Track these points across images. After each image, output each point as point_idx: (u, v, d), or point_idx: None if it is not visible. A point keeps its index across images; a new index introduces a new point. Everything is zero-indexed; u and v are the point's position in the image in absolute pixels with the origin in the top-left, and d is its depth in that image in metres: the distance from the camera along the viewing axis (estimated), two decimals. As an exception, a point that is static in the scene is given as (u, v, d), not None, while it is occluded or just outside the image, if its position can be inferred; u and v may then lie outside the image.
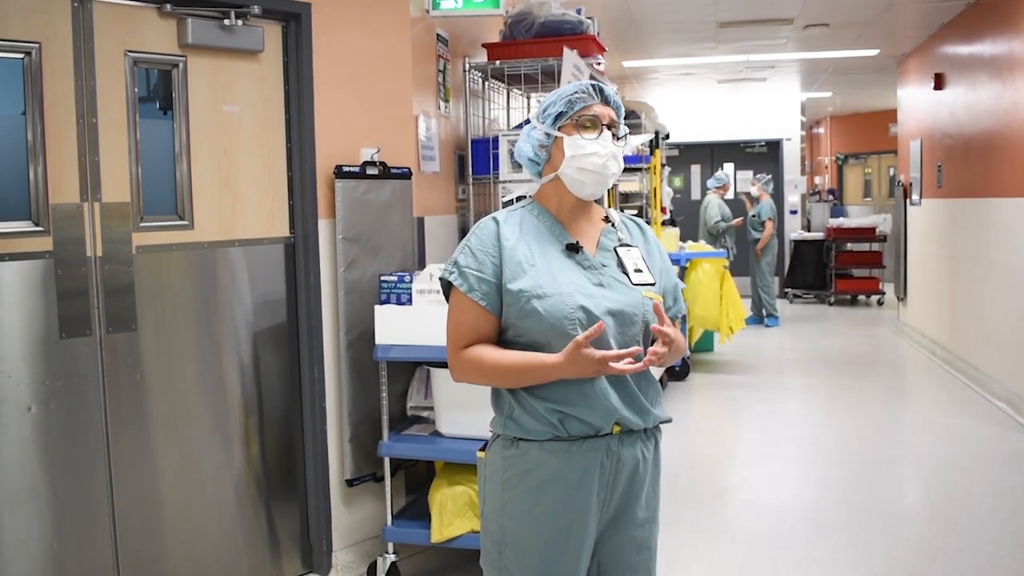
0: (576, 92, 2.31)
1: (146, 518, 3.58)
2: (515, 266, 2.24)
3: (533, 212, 2.37)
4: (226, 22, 3.68)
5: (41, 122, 3.24)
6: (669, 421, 2.36)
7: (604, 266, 2.30)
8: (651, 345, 2.33)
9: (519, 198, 2.48)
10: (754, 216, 12.00)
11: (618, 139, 2.34)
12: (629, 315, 2.24)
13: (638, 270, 2.32)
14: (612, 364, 2.09)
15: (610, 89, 2.36)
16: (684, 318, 8.16)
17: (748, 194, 12.72)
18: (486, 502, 2.33)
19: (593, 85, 2.32)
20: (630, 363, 2.11)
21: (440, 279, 2.33)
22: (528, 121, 2.42)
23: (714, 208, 11.69)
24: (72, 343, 3.33)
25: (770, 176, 12.42)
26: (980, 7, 7.88)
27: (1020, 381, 6.80)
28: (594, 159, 2.28)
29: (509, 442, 2.27)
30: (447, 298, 2.33)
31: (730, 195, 12.47)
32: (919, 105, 10.19)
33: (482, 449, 2.40)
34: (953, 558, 4.28)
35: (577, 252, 2.30)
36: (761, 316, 11.86)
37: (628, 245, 2.37)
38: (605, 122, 2.31)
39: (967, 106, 8.26)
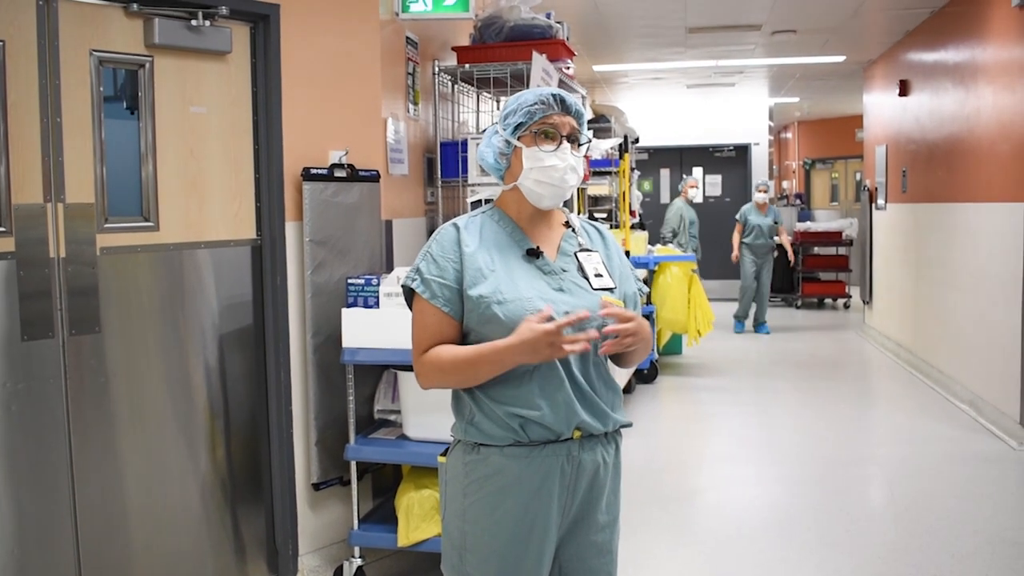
0: (535, 103, 2.29)
1: (109, 523, 3.55)
2: (475, 272, 2.24)
3: (494, 218, 2.37)
4: (193, 22, 3.66)
5: (4, 121, 3.19)
6: (629, 425, 2.37)
7: (564, 271, 2.31)
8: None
9: (485, 200, 2.47)
10: (776, 223, 11.31)
11: (580, 145, 2.34)
12: (589, 319, 2.24)
13: (598, 275, 2.32)
14: (566, 347, 2.07)
15: (571, 97, 2.34)
16: (652, 321, 8.23)
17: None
18: (447, 507, 2.33)
19: (553, 95, 2.30)
20: (584, 346, 2.10)
21: (403, 286, 2.33)
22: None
23: (671, 211, 11.58)
24: (34, 345, 3.29)
25: (764, 180, 11.90)
26: (944, 15, 7.99)
27: (982, 383, 6.89)
28: (552, 172, 2.28)
29: (470, 447, 2.27)
30: (409, 305, 2.34)
31: (699, 199, 12.35)
32: (885, 111, 10.31)
33: (443, 454, 2.39)
34: (916, 558, 4.33)
35: (537, 257, 2.30)
36: (744, 321, 11.57)
37: (588, 250, 2.37)
38: (565, 132, 2.30)
39: (931, 112, 8.37)
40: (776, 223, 11.29)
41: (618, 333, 2.14)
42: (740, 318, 11.52)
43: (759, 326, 11.40)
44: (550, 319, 2.12)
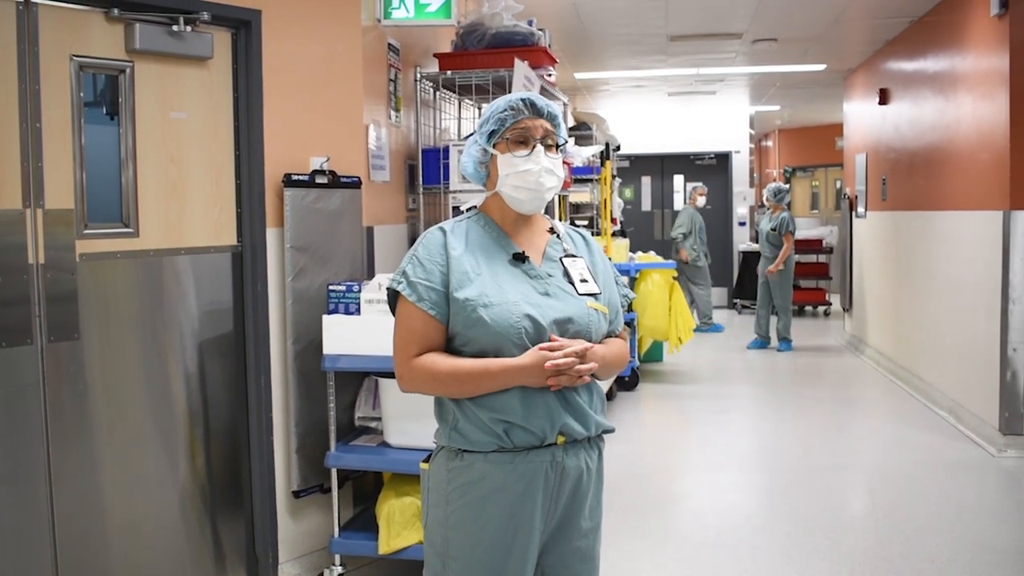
0: (506, 109, 2.31)
1: (88, 531, 3.52)
2: (461, 275, 2.24)
3: (479, 223, 2.38)
4: (175, 28, 3.64)
5: (-18, 127, 3.18)
6: (612, 431, 2.38)
7: (550, 276, 2.32)
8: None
9: (470, 208, 2.48)
10: (773, 230, 10.52)
11: (558, 148, 2.35)
12: (573, 323, 2.25)
13: (584, 280, 2.34)
14: (554, 380, 2.17)
15: (543, 100, 2.35)
16: (633, 328, 8.24)
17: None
18: (430, 514, 2.33)
19: (523, 99, 2.32)
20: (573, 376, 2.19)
21: (388, 290, 2.32)
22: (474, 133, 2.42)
23: (683, 216, 12.08)
24: (12, 352, 3.26)
25: (788, 187, 11.05)
26: (923, 25, 8.05)
27: (962, 391, 6.93)
28: (527, 176, 2.29)
29: (453, 454, 2.27)
30: (392, 309, 2.33)
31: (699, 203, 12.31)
32: (864, 119, 10.37)
33: (425, 461, 2.39)
34: (896, 565, 4.34)
35: (523, 262, 2.31)
36: (768, 338, 10.79)
37: (573, 256, 2.39)
38: (538, 136, 2.31)
39: (911, 121, 8.42)
40: (774, 229, 10.50)
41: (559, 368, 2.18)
42: (757, 335, 10.80)
43: (780, 342, 10.66)
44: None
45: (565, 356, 2.15)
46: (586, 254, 2.45)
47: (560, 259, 2.37)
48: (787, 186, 11.17)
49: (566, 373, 2.17)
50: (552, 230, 2.45)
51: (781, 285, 10.55)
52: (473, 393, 2.21)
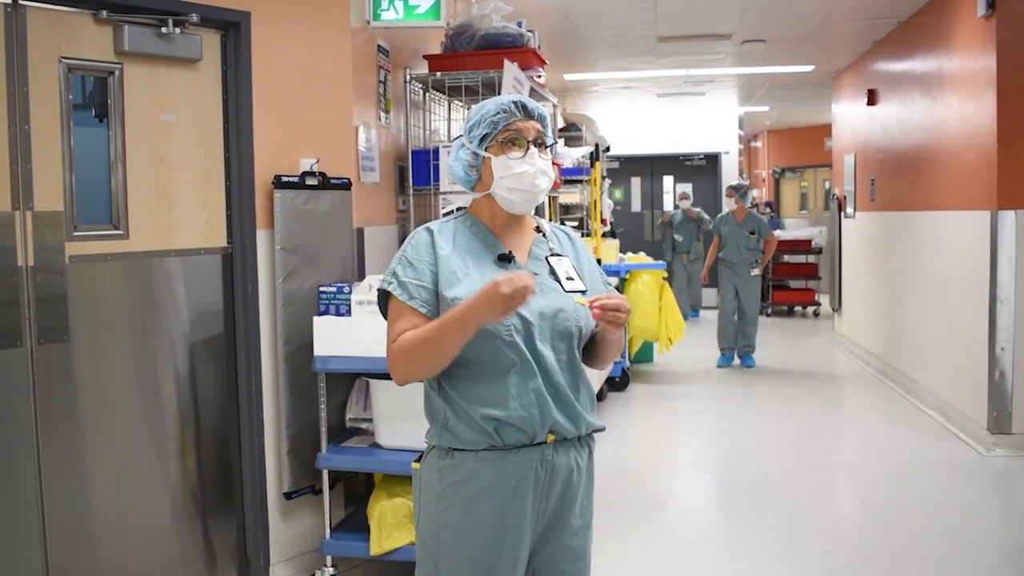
0: (498, 112, 2.32)
1: (78, 533, 3.51)
2: (450, 274, 2.26)
3: (466, 223, 2.39)
4: (163, 30, 3.64)
5: (-29, 129, 3.17)
6: (602, 430, 2.39)
7: (536, 274, 2.32)
8: (582, 350, 2.37)
9: (458, 209, 2.48)
10: (752, 234, 9.63)
11: (547, 148, 2.36)
12: (561, 320, 2.27)
13: (570, 278, 2.35)
14: (510, 287, 2.04)
15: (533, 102, 2.36)
16: (624, 329, 8.23)
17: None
18: (421, 513, 2.34)
19: (515, 101, 2.33)
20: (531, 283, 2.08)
21: (379, 291, 2.32)
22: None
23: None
24: (2, 354, 3.26)
25: (747, 183, 10.35)
26: (911, 26, 8.08)
27: (950, 390, 6.96)
28: (523, 178, 2.30)
29: (444, 452, 2.28)
30: (383, 310, 2.33)
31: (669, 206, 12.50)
32: (853, 120, 10.40)
33: (417, 460, 2.39)
34: (885, 564, 4.36)
35: (509, 261, 2.32)
36: (730, 354, 9.80)
37: (559, 255, 2.40)
38: (531, 137, 2.32)
39: (899, 121, 8.45)
40: (751, 233, 9.60)
41: (604, 307, 2.20)
42: (724, 350, 9.77)
43: (743, 356, 9.72)
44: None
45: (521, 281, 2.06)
46: (571, 252, 2.46)
47: (546, 258, 2.38)
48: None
49: (616, 314, 2.20)
50: (538, 228, 2.45)
51: (754, 291, 9.73)
52: (444, 352, 2.16)
